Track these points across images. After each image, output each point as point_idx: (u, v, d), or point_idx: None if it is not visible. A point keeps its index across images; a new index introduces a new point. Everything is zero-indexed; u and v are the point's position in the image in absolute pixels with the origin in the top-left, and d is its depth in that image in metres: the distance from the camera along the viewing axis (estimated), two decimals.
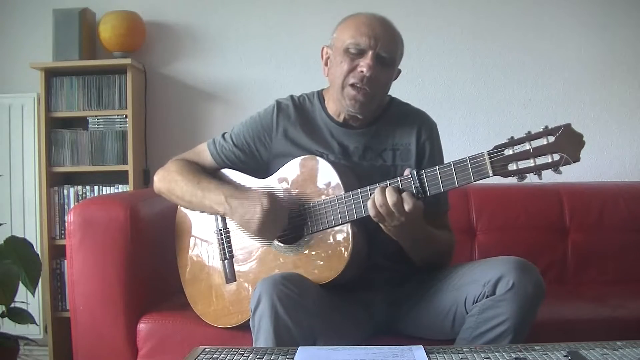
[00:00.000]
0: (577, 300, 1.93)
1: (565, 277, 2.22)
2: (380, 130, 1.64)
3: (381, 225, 1.41)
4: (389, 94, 1.68)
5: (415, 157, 1.62)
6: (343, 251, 1.47)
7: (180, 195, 1.65)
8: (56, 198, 2.60)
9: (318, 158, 1.55)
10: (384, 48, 1.52)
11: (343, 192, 1.46)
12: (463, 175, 1.32)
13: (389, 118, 1.65)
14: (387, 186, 1.37)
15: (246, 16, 2.75)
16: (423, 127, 1.65)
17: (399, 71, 1.64)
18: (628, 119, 2.64)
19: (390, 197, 1.35)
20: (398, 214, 1.35)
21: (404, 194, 1.35)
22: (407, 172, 1.39)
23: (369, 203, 1.38)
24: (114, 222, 1.75)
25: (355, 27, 1.54)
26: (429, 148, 1.63)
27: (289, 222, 1.54)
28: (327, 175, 1.51)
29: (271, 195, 1.52)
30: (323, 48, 1.64)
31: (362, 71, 1.51)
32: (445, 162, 1.61)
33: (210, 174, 1.70)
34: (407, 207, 1.34)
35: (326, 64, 1.63)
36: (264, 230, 1.51)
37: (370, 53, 1.51)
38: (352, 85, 1.53)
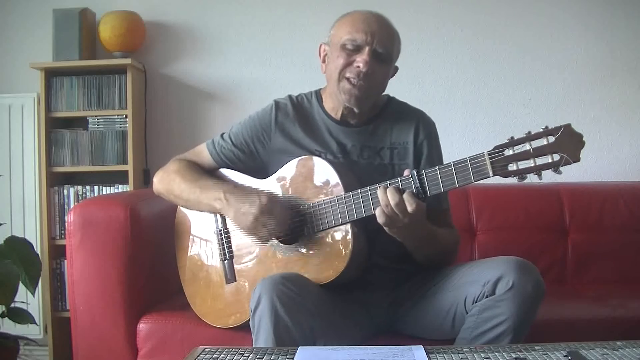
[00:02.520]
0: (577, 300, 1.93)
1: (565, 277, 2.22)
2: (378, 128, 1.64)
3: (385, 228, 1.40)
4: (387, 93, 1.69)
5: (412, 156, 1.62)
6: (343, 251, 1.47)
7: (178, 194, 1.65)
8: (56, 198, 2.60)
9: (318, 158, 1.55)
10: (380, 44, 1.53)
11: (343, 193, 1.46)
12: (463, 175, 1.32)
13: (386, 117, 1.66)
14: (387, 187, 1.37)
15: (246, 16, 2.75)
16: (421, 126, 1.65)
17: (396, 68, 1.65)
18: (628, 119, 2.64)
19: (392, 198, 1.35)
20: (402, 216, 1.35)
21: (405, 195, 1.35)
22: (407, 172, 1.39)
23: (378, 211, 1.37)
24: (114, 222, 1.75)
25: (351, 23, 1.56)
26: (426, 147, 1.63)
27: (290, 222, 1.54)
28: (327, 175, 1.51)
29: (272, 196, 1.51)
30: (321, 45, 1.65)
31: (358, 66, 1.52)
32: (444, 161, 1.62)
33: (210, 173, 1.70)
34: (409, 207, 1.34)
35: (324, 61, 1.63)
36: (257, 227, 1.49)
37: (366, 49, 1.52)
38: (348, 79, 1.53)
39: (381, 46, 1.53)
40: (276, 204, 1.50)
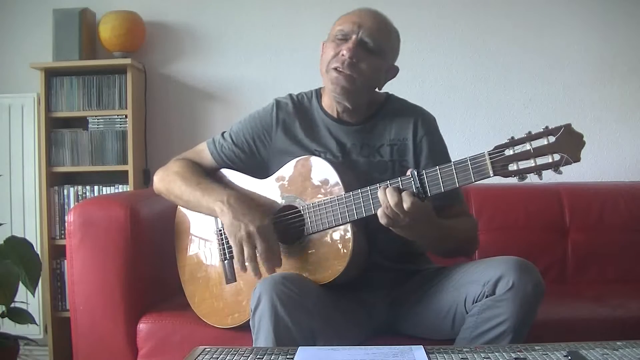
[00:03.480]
0: (577, 300, 1.93)
1: (565, 277, 2.22)
2: (376, 126, 1.64)
3: (392, 228, 1.40)
4: (386, 91, 1.69)
5: (412, 153, 1.62)
6: (343, 251, 1.47)
7: (179, 195, 1.64)
8: (56, 198, 2.60)
9: (318, 158, 1.55)
10: (367, 34, 1.54)
11: (343, 192, 1.46)
12: (463, 175, 1.32)
13: (385, 114, 1.66)
14: (387, 187, 1.37)
15: (246, 16, 2.76)
16: (420, 121, 1.64)
17: (397, 69, 1.64)
18: (628, 119, 2.63)
19: (391, 198, 1.35)
20: (402, 215, 1.35)
21: (403, 194, 1.34)
22: (408, 172, 1.39)
23: (379, 212, 1.37)
24: (114, 222, 1.75)
25: (344, 17, 1.59)
26: (427, 143, 1.63)
27: (289, 222, 1.54)
28: (326, 175, 1.51)
29: (272, 229, 1.50)
30: (323, 44, 1.65)
31: (342, 54, 1.52)
32: (448, 154, 1.62)
33: (211, 174, 1.70)
34: (406, 206, 1.33)
35: None
36: (247, 244, 1.47)
37: (353, 37, 1.54)
38: (335, 69, 1.54)
39: (368, 36, 1.54)
40: (273, 232, 1.49)
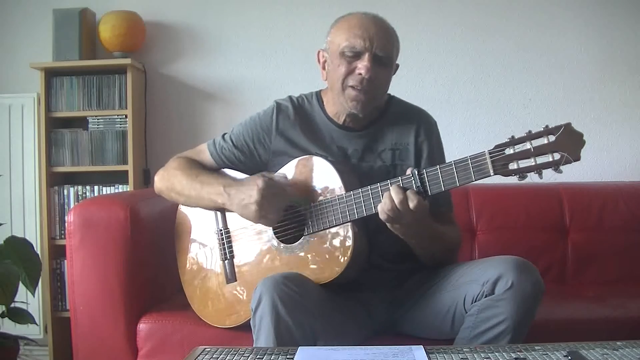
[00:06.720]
0: (577, 300, 1.93)
1: (565, 277, 2.22)
2: (379, 131, 1.64)
3: (388, 225, 1.40)
4: (388, 92, 1.69)
5: (414, 157, 1.62)
6: (343, 251, 1.47)
7: (180, 190, 1.64)
8: (56, 198, 2.60)
9: (319, 158, 1.55)
10: (379, 48, 1.52)
11: (344, 192, 1.46)
12: (464, 174, 1.32)
13: (388, 118, 1.65)
14: (390, 185, 1.37)
15: (246, 16, 2.76)
16: (422, 126, 1.65)
17: (397, 66, 1.64)
18: (628, 119, 2.63)
19: (396, 196, 1.35)
20: (405, 213, 1.35)
21: (408, 192, 1.35)
22: (408, 171, 1.39)
23: (380, 207, 1.37)
24: (114, 222, 1.75)
25: (348, 29, 1.54)
26: (427, 147, 1.63)
27: (289, 221, 1.54)
28: (327, 175, 1.51)
29: (267, 176, 1.51)
30: (319, 52, 1.64)
31: (360, 74, 1.51)
32: (445, 160, 1.62)
33: (210, 169, 1.70)
34: (412, 205, 1.34)
35: (324, 68, 1.62)
36: (263, 212, 1.48)
37: (366, 55, 1.51)
38: (352, 87, 1.53)
39: (381, 50, 1.52)
40: (273, 184, 1.50)
